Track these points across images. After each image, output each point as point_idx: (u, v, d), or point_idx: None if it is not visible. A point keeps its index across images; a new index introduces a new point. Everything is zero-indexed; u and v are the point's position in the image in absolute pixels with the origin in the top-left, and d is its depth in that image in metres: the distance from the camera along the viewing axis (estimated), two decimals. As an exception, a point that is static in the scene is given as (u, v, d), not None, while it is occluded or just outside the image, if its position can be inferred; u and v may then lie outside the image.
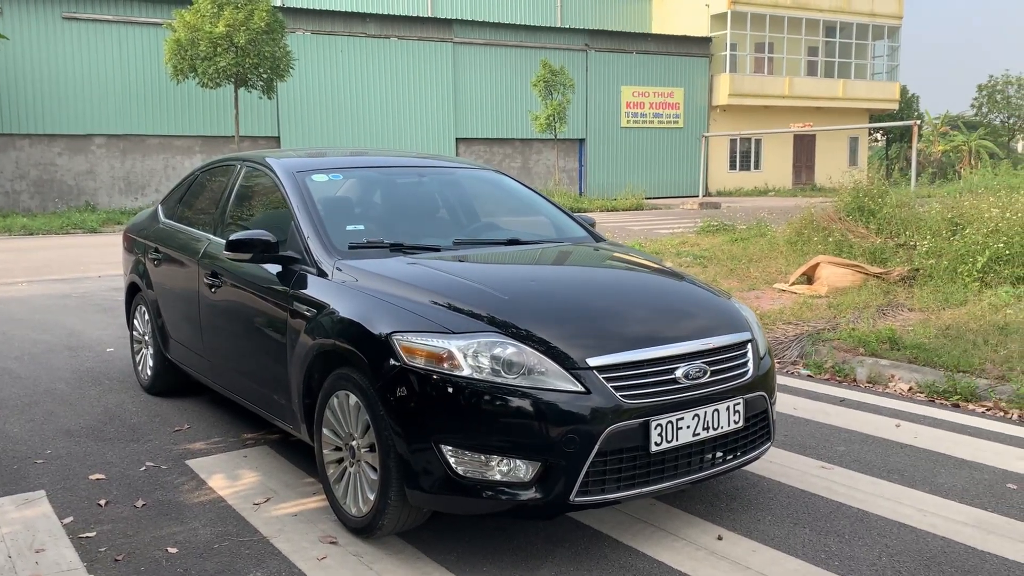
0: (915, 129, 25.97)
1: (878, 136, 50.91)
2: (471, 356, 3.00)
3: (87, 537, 3.37)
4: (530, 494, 2.94)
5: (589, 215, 5.05)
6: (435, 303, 3.26)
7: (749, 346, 3.45)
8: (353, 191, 4.50)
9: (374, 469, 3.20)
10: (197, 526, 3.48)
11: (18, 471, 4.14)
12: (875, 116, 42.75)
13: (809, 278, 9.13)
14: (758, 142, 39.00)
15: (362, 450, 3.28)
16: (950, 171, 40.56)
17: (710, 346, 3.28)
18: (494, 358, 2.99)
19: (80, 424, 4.89)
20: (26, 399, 5.42)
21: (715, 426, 3.18)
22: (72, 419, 4.99)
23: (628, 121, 35.52)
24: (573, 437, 2.91)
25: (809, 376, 6.04)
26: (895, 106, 41.85)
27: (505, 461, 2.94)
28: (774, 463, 4.15)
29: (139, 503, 3.72)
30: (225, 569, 3.10)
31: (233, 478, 4.01)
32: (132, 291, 5.79)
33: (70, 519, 3.55)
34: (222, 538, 3.36)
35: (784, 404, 5.21)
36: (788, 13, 37.87)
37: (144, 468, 4.16)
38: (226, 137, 26.93)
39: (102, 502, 3.73)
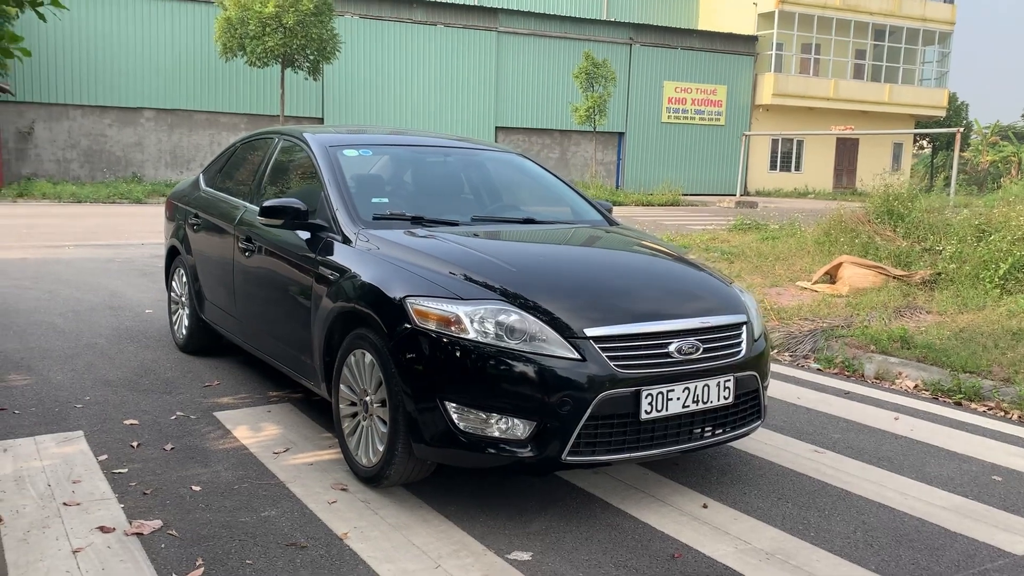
0: (958, 136, 25.60)
1: (924, 143, 50.10)
2: (477, 321, 3.22)
3: (119, 473, 3.66)
4: (525, 451, 3.16)
5: (606, 201, 5.23)
6: (448, 272, 3.49)
7: (744, 328, 3.62)
8: (381, 166, 4.74)
9: (384, 423, 3.44)
10: (220, 469, 3.75)
11: (59, 413, 4.45)
12: (921, 123, 42.14)
13: (832, 277, 9.22)
14: (800, 143, 38.69)
15: (374, 405, 3.52)
16: (993, 181, 39.79)
17: (705, 324, 3.46)
18: (498, 324, 3.21)
19: (117, 375, 5.21)
20: (69, 351, 5.76)
21: (705, 400, 3.37)
22: (110, 371, 5.31)
23: (669, 116, 35.46)
24: (567, 401, 3.12)
25: (819, 370, 6.18)
26: (942, 113, 41.20)
27: (504, 419, 3.16)
28: (768, 444, 4.32)
29: (168, 447, 4.01)
30: (243, 506, 3.37)
31: (256, 430, 4.28)
32: (172, 255, 6.09)
33: (104, 456, 3.85)
34: (242, 480, 3.63)
35: (789, 394, 5.38)
36: (837, 15, 37.49)
37: (175, 417, 4.45)
38: (271, 116, 27.44)
39: (134, 444, 4.02)
